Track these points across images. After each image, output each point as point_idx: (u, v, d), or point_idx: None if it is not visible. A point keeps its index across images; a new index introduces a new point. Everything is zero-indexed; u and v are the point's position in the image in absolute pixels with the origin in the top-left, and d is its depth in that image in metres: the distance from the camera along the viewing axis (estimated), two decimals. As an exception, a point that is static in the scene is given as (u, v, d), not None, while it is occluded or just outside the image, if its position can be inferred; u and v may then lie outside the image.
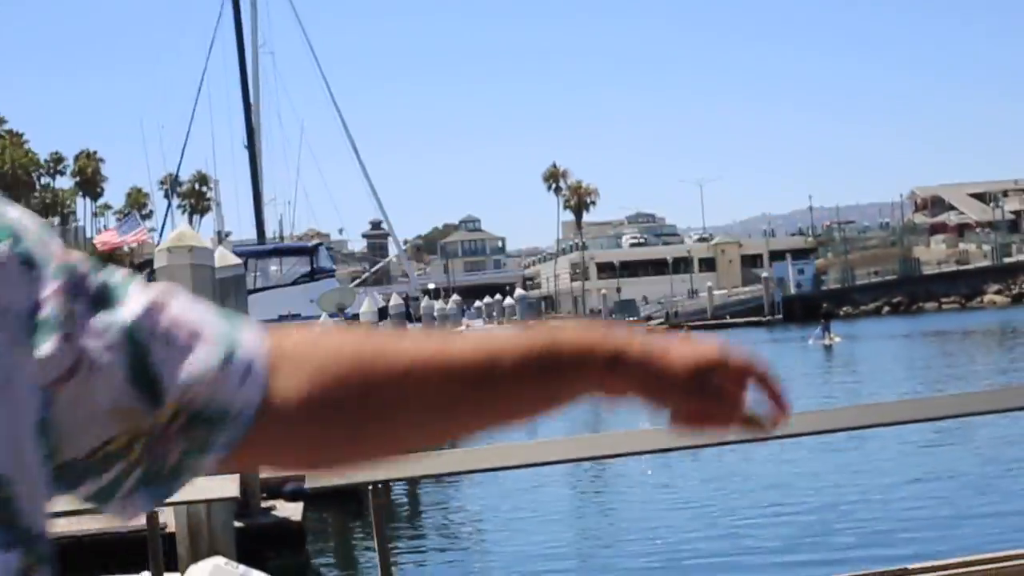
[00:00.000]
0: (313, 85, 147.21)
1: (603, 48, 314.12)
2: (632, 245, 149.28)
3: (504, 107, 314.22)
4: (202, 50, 50.05)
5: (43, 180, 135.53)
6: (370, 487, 4.50)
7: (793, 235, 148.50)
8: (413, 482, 24.26)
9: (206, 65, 48.01)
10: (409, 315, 53.41)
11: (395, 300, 43.08)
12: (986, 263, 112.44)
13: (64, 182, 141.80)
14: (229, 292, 16.98)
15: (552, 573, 16.91)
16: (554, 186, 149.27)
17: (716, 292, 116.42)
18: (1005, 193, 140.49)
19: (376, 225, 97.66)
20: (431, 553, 19.33)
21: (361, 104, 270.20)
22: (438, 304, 65.38)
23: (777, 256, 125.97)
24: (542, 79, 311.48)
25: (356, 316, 40.12)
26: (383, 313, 41.83)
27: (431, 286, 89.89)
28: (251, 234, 49.64)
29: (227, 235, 67.01)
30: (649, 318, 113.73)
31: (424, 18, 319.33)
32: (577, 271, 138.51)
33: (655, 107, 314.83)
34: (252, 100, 48.93)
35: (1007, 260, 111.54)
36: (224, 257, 17.36)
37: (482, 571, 17.85)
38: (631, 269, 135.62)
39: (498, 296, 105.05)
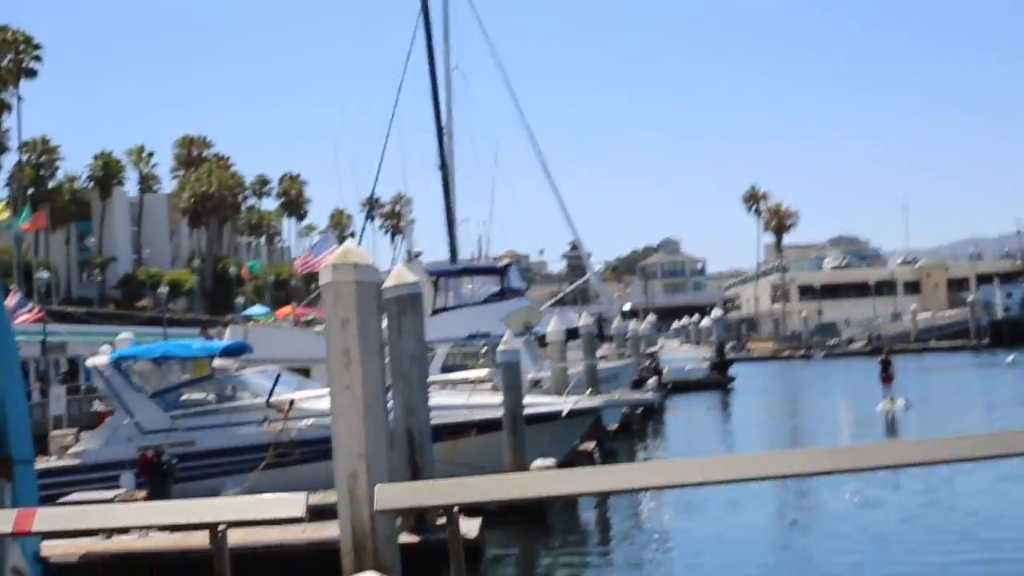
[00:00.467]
0: (505, 107, 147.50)
1: (806, 64, 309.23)
2: (834, 268, 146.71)
3: (703, 127, 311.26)
4: (395, 72, 50.37)
5: (249, 201, 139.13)
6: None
7: (1001, 259, 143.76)
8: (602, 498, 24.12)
9: (400, 86, 48.34)
10: (602, 335, 53.17)
11: (585, 319, 42.80)
12: None
13: (269, 203, 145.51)
14: (405, 310, 17.19)
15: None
16: (754, 208, 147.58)
17: (920, 315, 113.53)
18: None
19: (575, 247, 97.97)
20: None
21: (554, 124, 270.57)
22: (632, 324, 65.09)
23: (984, 280, 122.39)
24: (740, 98, 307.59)
25: (543, 336, 40.03)
26: (573, 333, 41.59)
27: (627, 306, 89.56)
28: (446, 255, 49.96)
29: (418, 255, 67.69)
30: (851, 340, 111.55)
31: (616, 37, 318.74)
32: (778, 293, 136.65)
33: (859, 127, 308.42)
34: (444, 120, 49.22)
35: None
36: (401, 275, 17.46)
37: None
38: (833, 292, 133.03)
39: (696, 316, 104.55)
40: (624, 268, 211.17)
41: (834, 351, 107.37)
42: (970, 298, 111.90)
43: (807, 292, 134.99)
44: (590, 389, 37.29)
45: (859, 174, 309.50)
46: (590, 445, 30.52)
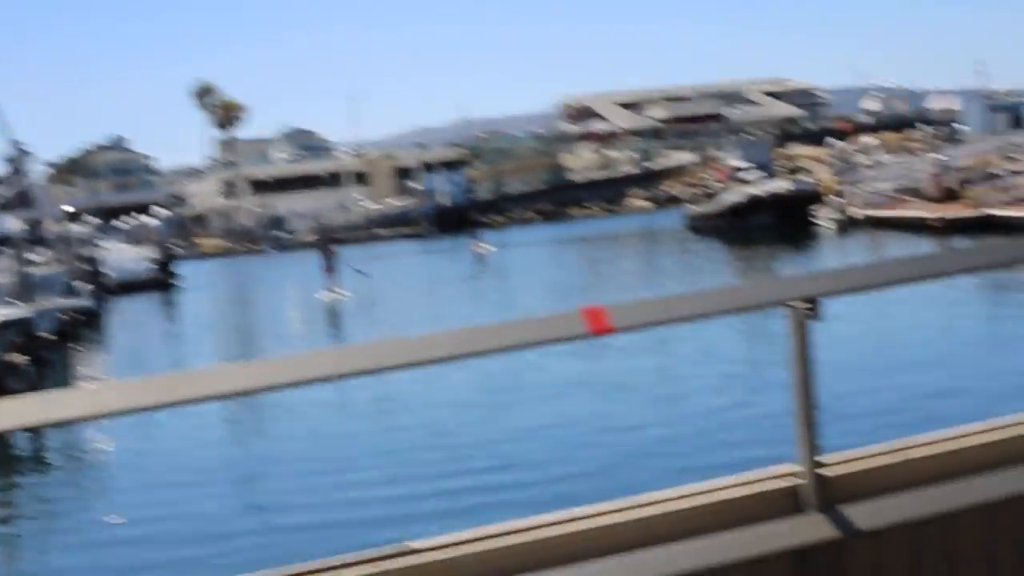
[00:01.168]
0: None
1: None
2: (285, 162, 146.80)
3: (145, 24, 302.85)
4: None
5: None
6: None
7: (445, 147, 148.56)
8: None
9: None
10: (42, 240, 50.34)
11: (14, 224, 40.25)
12: (631, 170, 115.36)
13: None
14: None
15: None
16: (203, 103, 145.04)
17: (369, 205, 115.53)
18: (650, 102, 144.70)
19: (17, 146, 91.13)
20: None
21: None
22: (75, 228, 62.18)
23: (430, 168, 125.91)
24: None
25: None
26: (5, 240, 39.13)
27: (70, 209, 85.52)
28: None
29: None
30: (298, 232, 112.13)
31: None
32: (228, 188, 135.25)
33: (305, 24, 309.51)
34: None
35: (650, 166, 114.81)
36: None
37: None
38: (283, 185, 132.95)
39: (144, 217, 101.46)
40: (70, 168, 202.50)
41: (283, 244, 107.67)
42: (416, 186, 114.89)
43: (259, 187, 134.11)
44: (19, 297, 35.04)
45: (309, 69, 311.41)
46: (19, 357, 28.60)
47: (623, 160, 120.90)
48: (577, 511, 3.91)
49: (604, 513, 3.89)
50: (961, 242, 46.32)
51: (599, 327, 3.67)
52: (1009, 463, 4.26)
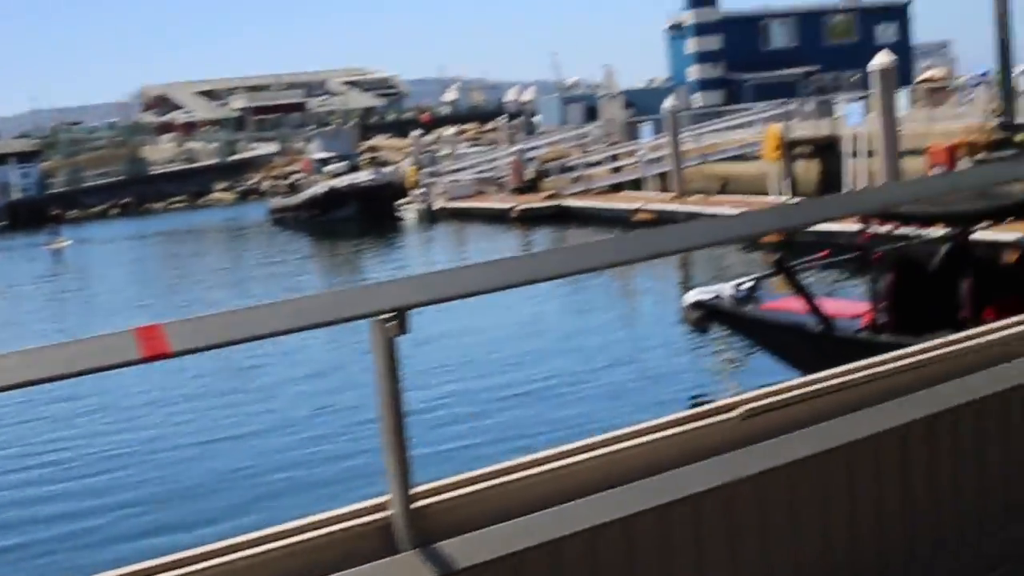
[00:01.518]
0: None
1: None
2: None
3: None
4: None
5: None
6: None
7: (17, 138, 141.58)
8: None
9: None
10: None
11: None
12: (213, 161, 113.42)
13: None
14: None
15: None
16: None
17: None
18: (232, 91, 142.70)
19: None
20: None
21: None
22: None
23: (1, 161, 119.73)
24: None
25: None
26: None
27: None
28: None
29: None
30: None
31: None
32: None
33: None
34: None
35: (233, 158, 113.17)
36: None
37: None
38: None
39: None
40: None
41: None
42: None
43: None
44: None
45: None
46: None
47: (205, 152, 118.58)
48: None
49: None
50: (539, 231, 47.80)
51: (153, 350, 3.25)
52: (615, 483, 4.12)
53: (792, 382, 4.68)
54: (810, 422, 4.49)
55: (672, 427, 4.35)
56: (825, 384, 4.64)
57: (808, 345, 15.42)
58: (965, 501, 4.97)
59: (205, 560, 3.56)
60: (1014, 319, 5.36)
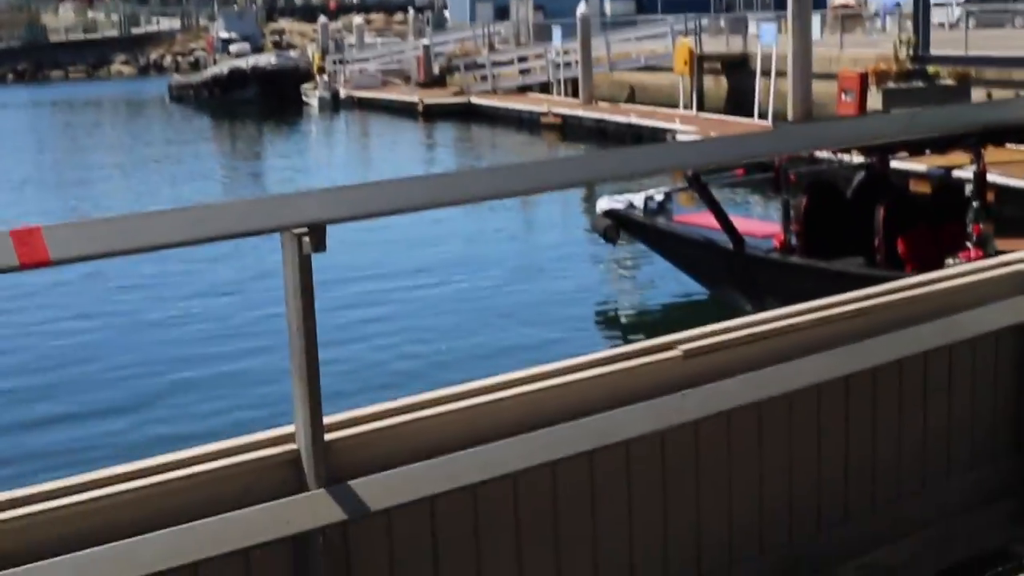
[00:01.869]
0: None
1: None
2: None
3: None
4: None
5: None
6: None
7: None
8: None
9: None
10: None
11: None
12: (114, 33, 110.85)
13: None
14: None
15: None
16: None
17: None
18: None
19: None
20: None
21: None
22: None
23: None
24: None
25: None
26: None
27: None
28: None
29: None
30: None
31: None
32: None
33: None
34: None
35: (135, 31, 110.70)
36: None
37: None
38: None
39: None
40: None
41: None
42: None
43: None
44: None
45: None
46: None
47: (107, 23, 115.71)
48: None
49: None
50: (445, 127, 47.21)
51: (30, 257, 2.82)
52: (540, 424, 3.78)
53: (734, 322, 4.42)
54: (753, 365, 4.21)
55: (606, 364, 4.04)
56: (768, 327, 4.39)
57: (719, 262, 15.22)
58: (906, 455, 4.79)
59: (96, 488, 3.20)
60: (963, 268, 5.18)
